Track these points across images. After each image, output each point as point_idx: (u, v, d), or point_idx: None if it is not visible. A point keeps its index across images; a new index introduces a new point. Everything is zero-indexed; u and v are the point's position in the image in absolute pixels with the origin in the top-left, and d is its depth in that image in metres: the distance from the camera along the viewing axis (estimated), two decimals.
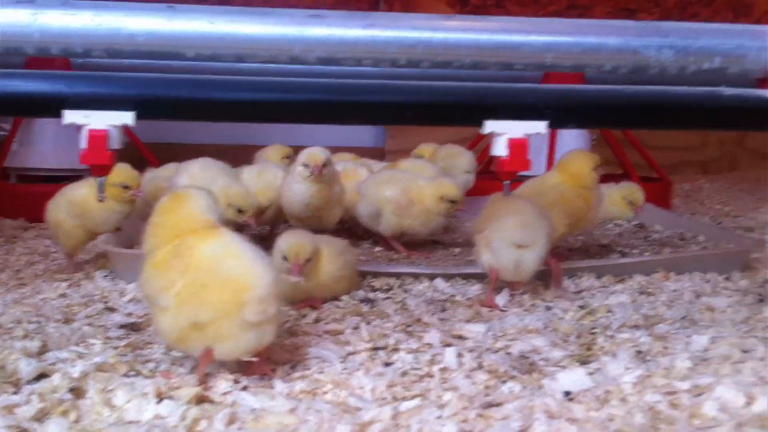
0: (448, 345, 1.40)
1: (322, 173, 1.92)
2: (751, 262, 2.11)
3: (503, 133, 1.23)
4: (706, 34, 1.23)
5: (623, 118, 1.28)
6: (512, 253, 1.65)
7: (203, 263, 1.13)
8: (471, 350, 1.37)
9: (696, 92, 1.27)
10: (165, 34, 1.16)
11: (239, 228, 1.84)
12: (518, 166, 1.23)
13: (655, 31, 1.22)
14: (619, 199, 2.54)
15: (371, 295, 1.74)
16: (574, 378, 1.22)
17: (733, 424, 1.10)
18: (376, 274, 1.86)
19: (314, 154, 1.92)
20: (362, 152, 3.47)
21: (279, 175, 2.04)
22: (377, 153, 4.14)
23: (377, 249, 2.18)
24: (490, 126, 1.23)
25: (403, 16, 1.18)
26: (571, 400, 1.16)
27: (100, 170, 1.20)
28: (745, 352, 1.42)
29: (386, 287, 1.81)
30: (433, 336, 1.43)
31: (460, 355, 1.33)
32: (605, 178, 3.02)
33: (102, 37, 1.16)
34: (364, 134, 4.34)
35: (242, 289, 1.12)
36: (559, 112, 1.23)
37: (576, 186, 1.88)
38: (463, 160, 2.39)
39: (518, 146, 1.22)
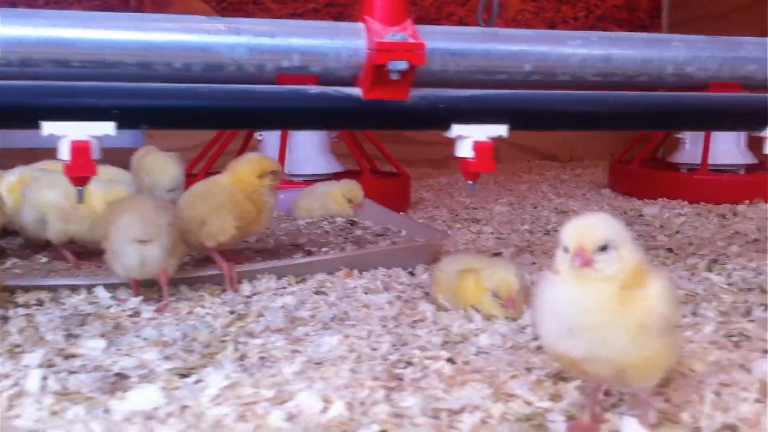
0: (50, 366, 1.29)
1: None
2: (442, 255, 2.15)
3: (64, 136, 1.14)
4: (283, 32, 1.19)
5: (189, 119, 1.23)
6: (135, 250, 1.59)
7: None
8: (65, 371, 1.27)
9: (282, 91, 1.23)
10: None
11: None
12: (84, 171, 1.15)
13: (231, 30, 1.16)
14: (339, 196, 2.55)
15: (11, 312, 1.60)
16: (148, 396, 1.15)
17: None
18: (27, 288, 1.72)
19: None
20: (121, 154, 3.28)
21: None
22: None
23: (44, 260, 2.02)
24: (47, 128, 1.13)
25: None
26: (128, 420, 1.09)
27: None
28: (374, 350, 1.41)
29: (35, 302, 1.67)
30: (35, 357, 1.31)
31: (45, 378, 1.23)
32: (347, 174, 3.03)
33: None
34: (121, 135, 4.12)
35: None
36: (128, 113, 1.16)
37: (245, 190, 1.83)
38: (165, 176, 2.28)
39: (81, 149, 1.13)
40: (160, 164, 2.37)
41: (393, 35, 1.20)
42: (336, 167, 3.09)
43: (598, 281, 0.97)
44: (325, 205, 2.55)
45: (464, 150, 1.32)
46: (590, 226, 0.99)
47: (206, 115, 1.20)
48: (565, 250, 0.99)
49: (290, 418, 1.11)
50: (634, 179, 3.46)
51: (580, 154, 4.83)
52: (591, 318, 0.97)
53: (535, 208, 3.18)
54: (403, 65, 1.20)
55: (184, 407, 1.14)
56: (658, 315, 0.99)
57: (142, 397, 1.14)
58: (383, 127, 1.30)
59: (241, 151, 3.31)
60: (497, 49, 1.29)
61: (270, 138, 3.04)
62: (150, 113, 1.18)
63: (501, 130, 1.32)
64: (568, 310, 0.98)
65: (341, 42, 1.22)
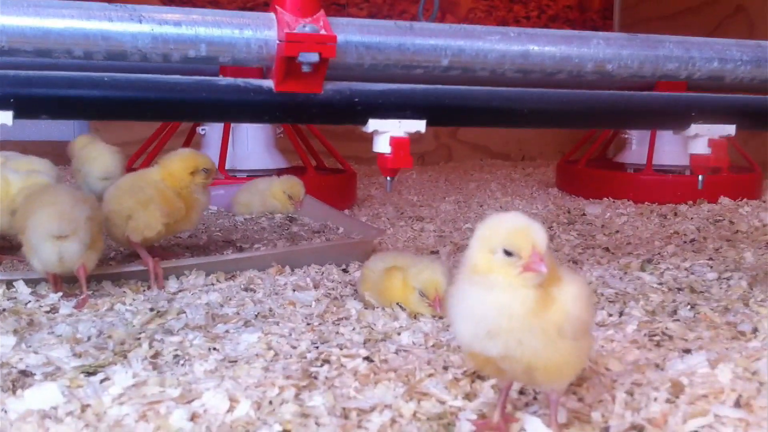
0: None
1: None
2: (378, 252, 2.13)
3: None
4: (190, 21, 1.16)
5: (89, 108, 1.19)
6: (52, 246, 1.55)
7: None
8: None
9: (189, 81, 1.20)
10: None
11: None
12: None
13: (134, 17, 1.13)
14: (280, 193, 2.52)
15: None
16: (47, 394, 1.11)
17: None
18: None
19: None
20: (62, 147, 3.21)
21: None
22: None
23: None
24: None
25: None
26: (23, 419, 1.05)
27: None
28: (293, 348, 1.39)
29: None
30: None
31: None
32: (292, 170, 3.00)
33: None
34: (64, 128, 4.04)
35: None
36: (26, 103, 1.12)
37: (175, 186, 1.79)
38: (98, 164, 2.23)
39: None
40: (95, 153, 2.33)
41: (303, 26, 1.17)
42: (281, 163, 3.05)
43: (526, 285, 0.95)
44: (265, 201, 2.51)
45: (381, 145, 1.30)
46: (537, 229, 0.95)
47: (107, 105, 1.16)
48: (508, 254, 0.95)
49: (194, 418, 1.08)
50: (580, 179, 3.48)
51: (533, 154, 4.84)
52: (515, 321, 0.95)
53: (481, 206, 3.18)
54: (314, 57, 1.17)
55: (85, 406, 1.10)
56: (574, 318, 0.98)
57: (41, 395, 1.10)
58: (296, 120, 1.28)
59: (185, 145, 3.26)
60: (413, 43, 1.27)
61: (213, 132, 3.00)
62: (49, 103, 1.14)
63: (419, 125, 1.30)
64: (491, 314, 0.95)
65: (251, 32, 1.19)
